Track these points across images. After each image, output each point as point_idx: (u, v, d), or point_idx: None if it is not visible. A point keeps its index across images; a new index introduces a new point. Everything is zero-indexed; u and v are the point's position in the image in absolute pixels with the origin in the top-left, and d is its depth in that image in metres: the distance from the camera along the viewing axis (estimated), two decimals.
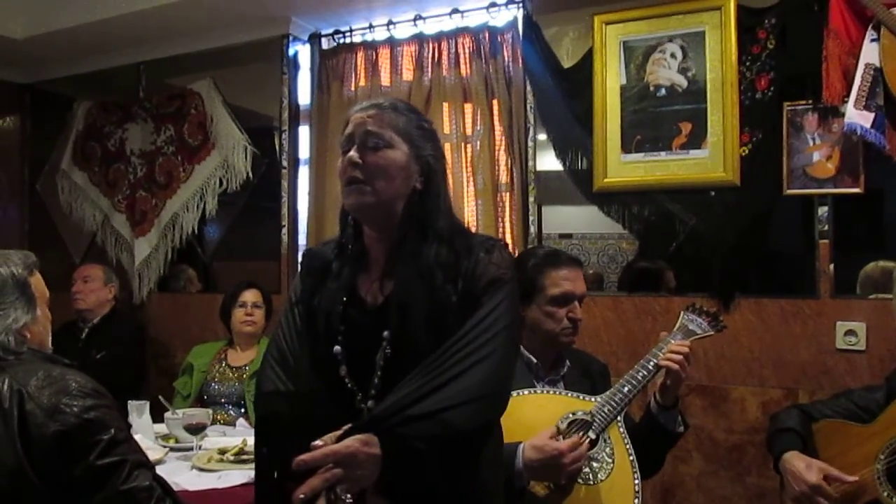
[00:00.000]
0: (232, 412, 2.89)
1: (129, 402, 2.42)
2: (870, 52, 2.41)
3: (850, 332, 2.50)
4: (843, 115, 2.45)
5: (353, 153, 1.34)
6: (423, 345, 1.28)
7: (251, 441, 2.20)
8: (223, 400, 2.93)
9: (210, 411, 2.49)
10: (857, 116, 2.40)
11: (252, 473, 1.98)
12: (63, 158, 4.16)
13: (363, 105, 1.40)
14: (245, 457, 2.15)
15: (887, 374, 1.90)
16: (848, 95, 2.43)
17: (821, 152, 2.55)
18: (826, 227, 2.57)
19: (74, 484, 1.26)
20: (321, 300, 1.38)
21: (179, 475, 2.03)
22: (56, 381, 1.31)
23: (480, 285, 1.31)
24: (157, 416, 2.54)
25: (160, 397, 2.65)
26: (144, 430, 2.35)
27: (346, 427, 1.19)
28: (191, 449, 2.26)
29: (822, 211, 2.57)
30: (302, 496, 1.11)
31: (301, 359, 1.36)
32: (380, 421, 1.18)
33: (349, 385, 1.34)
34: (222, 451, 2.20)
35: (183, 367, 3.17)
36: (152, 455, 1.91)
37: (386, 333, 1.31)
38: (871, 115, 2.39)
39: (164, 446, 2.32)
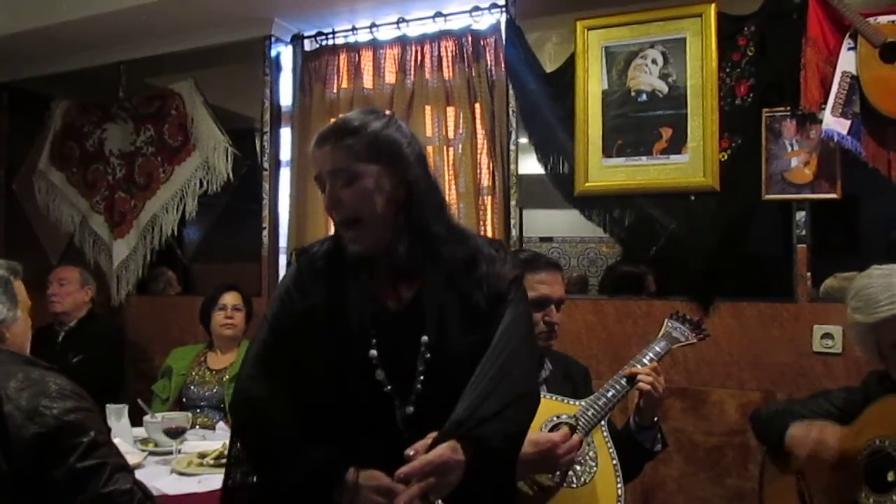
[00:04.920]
0: (212, 416, 2.86)
1: (108, 405, 2.38)
2: (847, 61, 2.45)
3: (826, 336, 2.54)
4: (820, 121, 2.48)
5: (326, 196, 1.33)
6: (460, 348, 1.30)
7: None
8: (203, 403, 2.91)
9: (190, 415, 2.47)
10: (835, 123, 2.44)
11: None
12: (40, 158, 4.10)
13: (317, 138, 1.36)
14: (225, 461, 2.13)
15: (863, 377, 1.92)
16: (825, 103, 2.47)
17: (799, 158, 2.59)
18: (804, 232, 2.61)
19: (54, 487, 1.24)
20: (345, 302, 1.32)
21: (159, 479, 2.01)
22: (35, 384, 1.29)
23: (505, 285, 1.36)
24: (135, 420, 2.51)
25: (139, 401, 2.62)
26: (123, 434, 2.31)
27: (432, 434, 1.21)
28: (170, 453, 2.24)
29: (800, 216, 2.61)
30: None
31: (308, 361, 1.32)
32: (459, 426, 1.21)
33: (386, 390, 1.30)
34: (202, 455, 2.18)
35: (162, 371, 3.13)
36: (131, 459, 1.88)
37: (425, 338, 1.30)
38: (848, 123, 2.43)
39: (143, 450, 2.29)
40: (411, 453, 1.19)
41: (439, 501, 1.18)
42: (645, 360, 1.84)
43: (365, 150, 1.31)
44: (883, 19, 2.43)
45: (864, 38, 2.42)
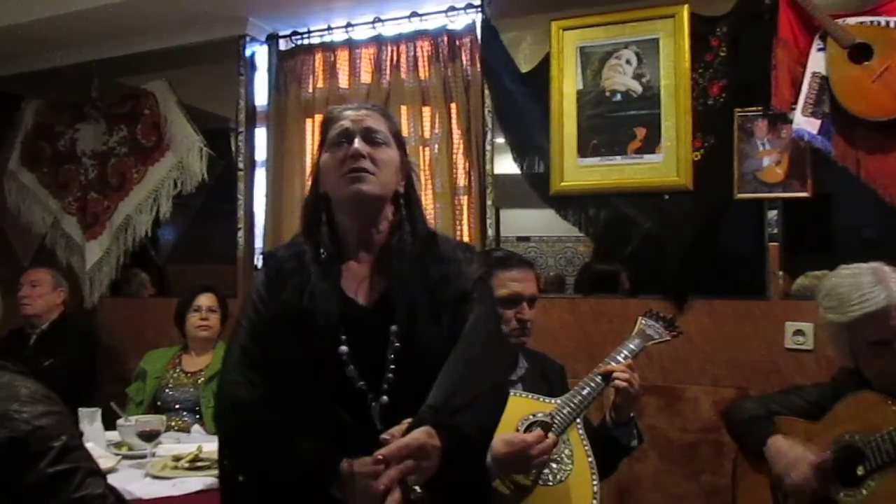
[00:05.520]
0: (187, 418, 2.83)
1: (80, 409, 2.35)
2: (817, 61, 2.49)
3: (798, 332, 2.57)
4: (791, 121, 2.51)
5: (358, 144, 1.37)
6: (429, 339, 1.33)
7: (206, 447, 2.17)
8: (178, 406, 2.88)
9: (164, 418, 2.45)
10: (805, 123, 2.48)
11: (208, 480, 1.97)
12: (11, 159, 4.05)
13: (352, 105, 1.46)
14: (200, 464, 2.11)
15: (833, 373, 1.95)
16: (796, 103, 2.50)
17: (770, 158, 2.62)
18: (776, 231, 2.64)
19: (25, 492, 1.22)
20: (314, 301, 1.34)
21: (133, 483, 1.98)
22: (5, 388, 1.27)
23: (470, 283, 1.40)
24: (109, 424, 2.48)
25: (112, 404, 2.58)
26: (96, 438, 2.28)
27: (407, 421, 1.23)
28: (144, 456, 2.21)
29: (772, 215, 2.64)
30: (382, 487, 1.16)
31: (285, 362, 1.33)
32: (435, 413, 1.22)
33: (359, 384, 1.32)
34: (177, 458, 2.16)
35: (136, 373, 3.10)
36: (104, 463, 1.86)
37: (394, 328, 1.33)
38: (818, 122, 2.47)
39: (117, 454, 2.27)
40: (387, 437, 1.20)
41: (417, 488, 1.18)
42: (619, 358, 1.86)
43: (394, 134, 1.45)
44: (851, 21, 2.46)
45: (834, 40, 2.45)
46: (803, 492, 1.74)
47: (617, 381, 1.80)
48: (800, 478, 1.74)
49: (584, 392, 1.80)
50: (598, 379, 1.82)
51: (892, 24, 2.43)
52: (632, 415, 1.87)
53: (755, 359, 2.63)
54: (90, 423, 2.37)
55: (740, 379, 2.64)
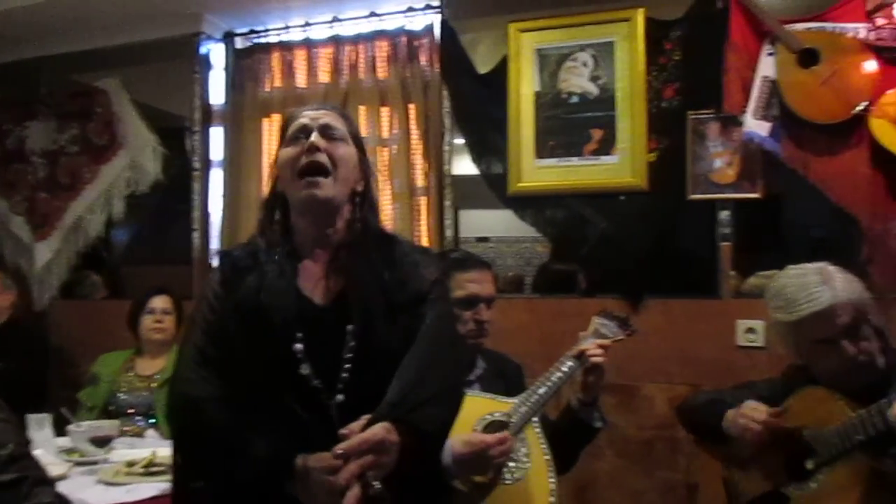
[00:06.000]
0: (141, 423, 2.78)
1: (28, 415, 2.29)
2: (767, 66, 2.55)
3: (749, 330, 2.63)
4: (742, 124, 2.57)
5: (315, 138, 1.36)
6: (385, 338, 1.33)
7: (161, 453, 2.13)
8: (131, 411, 2.82)
9: (117, 423, 2.40)
10: (755, 126, 2.54)
11: (162, 486, 1.93)
12: None
13: (311, 106, 1.47)
14: (155, 469, 2.07)
15: (783, 370, 2.00)
16: (747, 106, 2.56)
17: (722, 159, 2.68)
18: (727, 231, 2.70)
19: None
20: (269, 298, 1.34)
21: (85, 490, 1.93)
22: None
23: (427, 285, 1.41)
24: (60, 430, 2.42)
25: (63, 409, 2.52)
26: (45, 445, 2.23)
27: (365, 417, 1.23)
28: (97, 463, 2.16)
29: (724, 215, 2.70)
30: (343, 481, 1.15)
31: (240, 360, 1.32)
32: (393, 409, 1.23)
33: (314, 383, 1.31)
34: (131, 464, 2.11)
35: (88, 377, 3.02)
36: (55, 470, 1.82)
37: (350, 327, 1.33)
38: (768, 125, 2.54)
39: (68, 461, 2.21)
40: (346, 432, 1.20)
41: (376, 484, 1.18)
42: (569, 362, 1.87)
43: (353, 135, 1.45)
44: (800, 26, 2.53)
45: (783, 45, 2.52)
46: (756, 431, 1.75)
47: (593, 358, 1.82)
48: (753, 415, 1.76)
49: (541, 391, 1.81)
50: (564, 369, 1.83)
51: (838, 30, 2.50)
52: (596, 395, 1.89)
53: (708, 356, 2.68)
54: (39, 430, 2.30)
55: (694, 376, 2.68)
